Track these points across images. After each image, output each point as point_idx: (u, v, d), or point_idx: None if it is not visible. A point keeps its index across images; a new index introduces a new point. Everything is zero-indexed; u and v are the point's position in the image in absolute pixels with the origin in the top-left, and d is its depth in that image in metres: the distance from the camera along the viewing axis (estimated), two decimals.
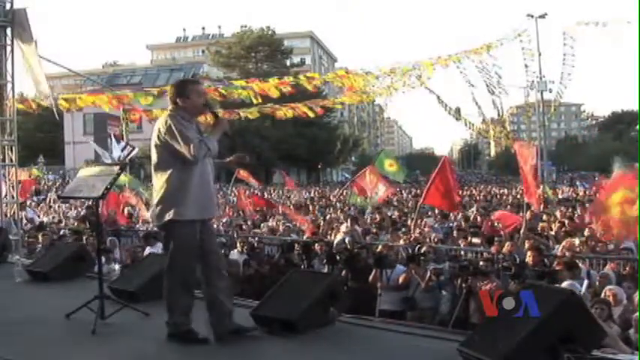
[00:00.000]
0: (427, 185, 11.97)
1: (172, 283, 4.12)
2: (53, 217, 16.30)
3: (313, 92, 19.61)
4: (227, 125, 4.36)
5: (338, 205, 19.17)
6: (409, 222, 12.50)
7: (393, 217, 14.66)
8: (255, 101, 13.40)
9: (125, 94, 14.42)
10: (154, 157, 4.16)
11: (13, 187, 9.03)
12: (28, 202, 17.32)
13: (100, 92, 15.44)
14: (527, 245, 8.48)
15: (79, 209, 17.09)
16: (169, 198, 4.07)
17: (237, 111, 15.22)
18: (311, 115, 15.06)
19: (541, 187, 13.29)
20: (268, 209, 16.67)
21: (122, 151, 16.57)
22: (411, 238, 9.96)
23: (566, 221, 11.65)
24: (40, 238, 10.30)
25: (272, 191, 29.59)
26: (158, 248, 9.90)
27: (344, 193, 20.77)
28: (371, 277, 7.67)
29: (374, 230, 11.59)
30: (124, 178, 14.43)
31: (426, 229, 11.84)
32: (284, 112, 14.59)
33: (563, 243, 8.89)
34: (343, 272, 7.89)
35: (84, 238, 10.02)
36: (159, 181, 4.13)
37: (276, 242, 11.02)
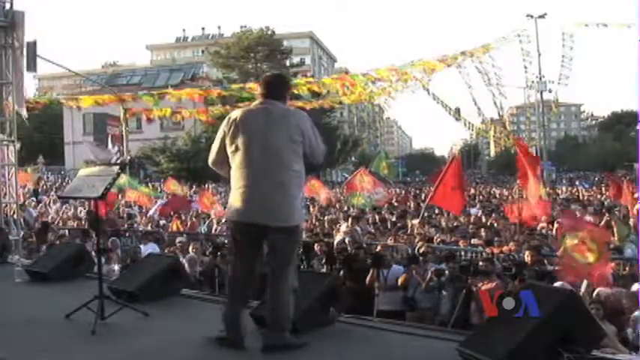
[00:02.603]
0: (435, 185, 11.64)
1: (287, 291, 3.78)
2: (52, 218, 16.27)
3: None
4: None
5: (337, 205, 19.13)
6: (409, 222, 12.46)
7: (393, 218, 14.61)
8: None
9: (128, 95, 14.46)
10: (284, 153, 3.65)
11: (12, 187, 9.04)
12: (27, 202, 17.34)
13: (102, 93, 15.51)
14: (524, 245, 8.49)
15: (79, 209, 17.08)
16: (298, 200, 3.73)
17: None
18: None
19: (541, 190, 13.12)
20: None
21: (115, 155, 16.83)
22: (415, 240, 9.87)
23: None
24: (40, 239, 10.32)
25: None
26: (154, 248, 9.96)
27: (343, 194, 20.74)
28: (368, 278, 7.67)
29: (370, 230, 11.55)
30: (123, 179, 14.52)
31: (416, 231, 11.71)
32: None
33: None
34: (341, 272, 7.89)
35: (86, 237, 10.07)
36: (290, 179, 3.64)
37: None
